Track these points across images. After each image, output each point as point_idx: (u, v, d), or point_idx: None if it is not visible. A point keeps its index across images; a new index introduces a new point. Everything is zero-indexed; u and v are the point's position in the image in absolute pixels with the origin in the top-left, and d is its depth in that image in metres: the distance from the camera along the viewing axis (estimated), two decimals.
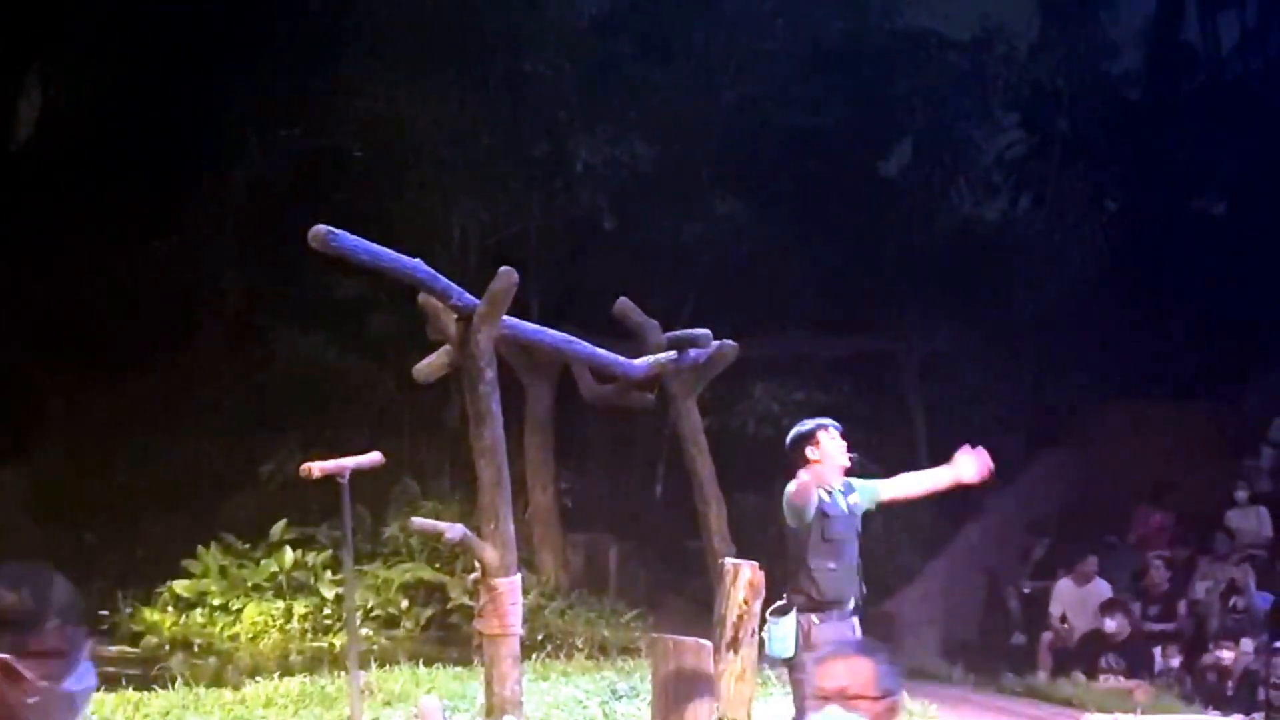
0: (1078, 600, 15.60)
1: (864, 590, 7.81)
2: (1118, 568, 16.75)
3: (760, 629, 7.92)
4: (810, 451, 7.74)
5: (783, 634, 7.64)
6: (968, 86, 21.62)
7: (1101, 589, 15.58)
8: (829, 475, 7.71)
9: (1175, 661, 14.40)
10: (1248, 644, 14.21)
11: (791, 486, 7.61)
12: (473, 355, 7.55)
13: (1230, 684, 13.67)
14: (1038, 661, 15.24)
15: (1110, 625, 14.45)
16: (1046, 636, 15.55)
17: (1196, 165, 22.66)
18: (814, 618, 7.56)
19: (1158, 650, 14.66)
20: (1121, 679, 13.98)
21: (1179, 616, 15.49)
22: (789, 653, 7.62)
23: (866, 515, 7.91)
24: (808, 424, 7.91)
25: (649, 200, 20.72)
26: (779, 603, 7.72)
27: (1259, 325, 20.43)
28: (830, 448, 7.75)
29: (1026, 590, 17.18)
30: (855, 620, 7.79)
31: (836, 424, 7.89)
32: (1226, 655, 13.86)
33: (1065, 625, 15.36)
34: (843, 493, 7.79)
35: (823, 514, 7.61)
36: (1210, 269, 21.16)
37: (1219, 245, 22.03)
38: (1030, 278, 21.04)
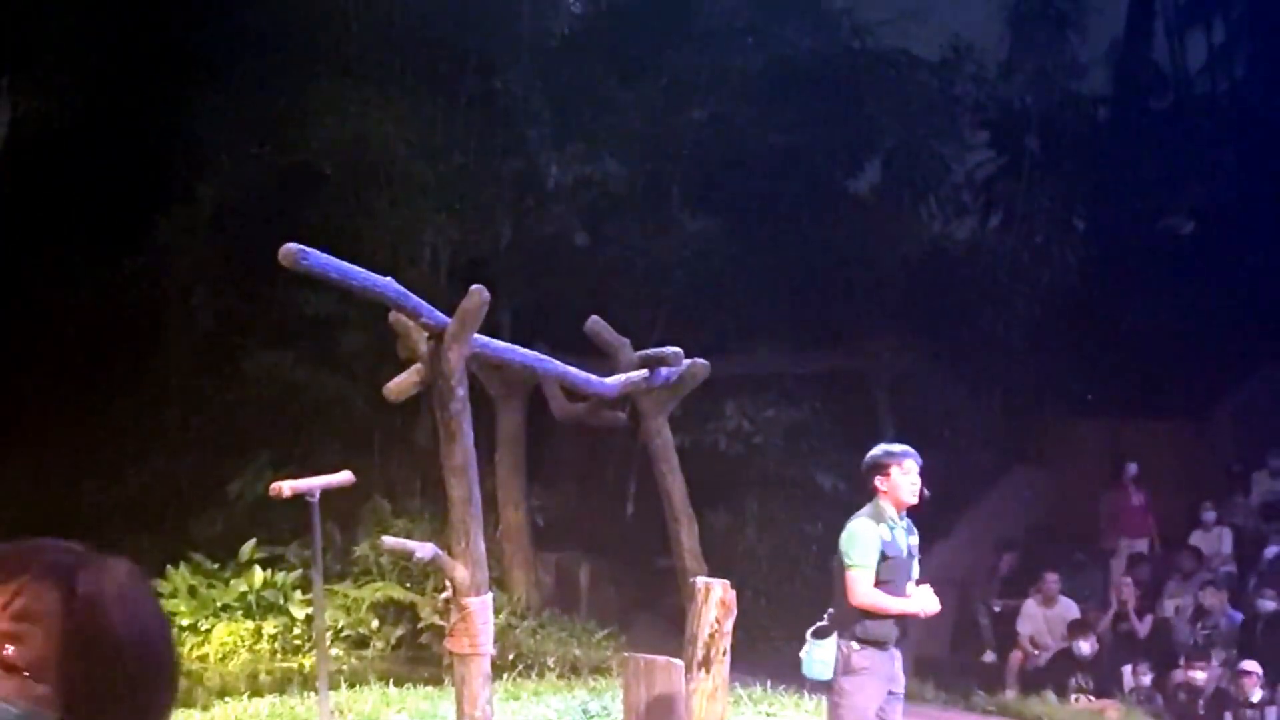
0: (1044, 621, 15.63)
1: (906, 630, 7.73)
2: (1086, 585, 16.81)
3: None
4: (880, 482, 7.66)
5: (822, 657, 7.60)
6: (937, 106, 21.74)
7: (1068, 608, 15.62)
8: (889, 511, 7.66)
9: (1146, 680, 14.43)
10: (1218, 662, 14.27)
11: (858, 533, 7.56)
12: (444, 374, 7.53)
13: (1201, 703, 13.71)
14: (1006, 680, 15.28)
15: (1083, 649, 14.48)
16: (1015, 656, 15.58)
17: (1165, 184, 22.77)
18: (854, 644, 7.52)
19: (1128, 669, 14.70)
20: (1091, 699, 14.02)
21: (1147, 635, 15.51)
22: (827, 675, 7.59)
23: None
24: (884, 453, 7.78)
25: (620, 218, 20.73)
26: (820, 624, 7.66)
27: (1227, 343, 20.53)
28: (900, 482, 7.64)
29: (996, 609, 17.21)
30: (898, 653, 7.71)
31: (915, 456, 7.76)
32: (1198, 675, 13.90)
33: (1034, 648, 15.41)
34: (906, 531, 7.72)
35: (884, 555, 7.56)
36: (1178, 288, 21.27)
37: (1187, 264, 22.15)
38: (999, 296, 21.13)
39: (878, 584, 7.53)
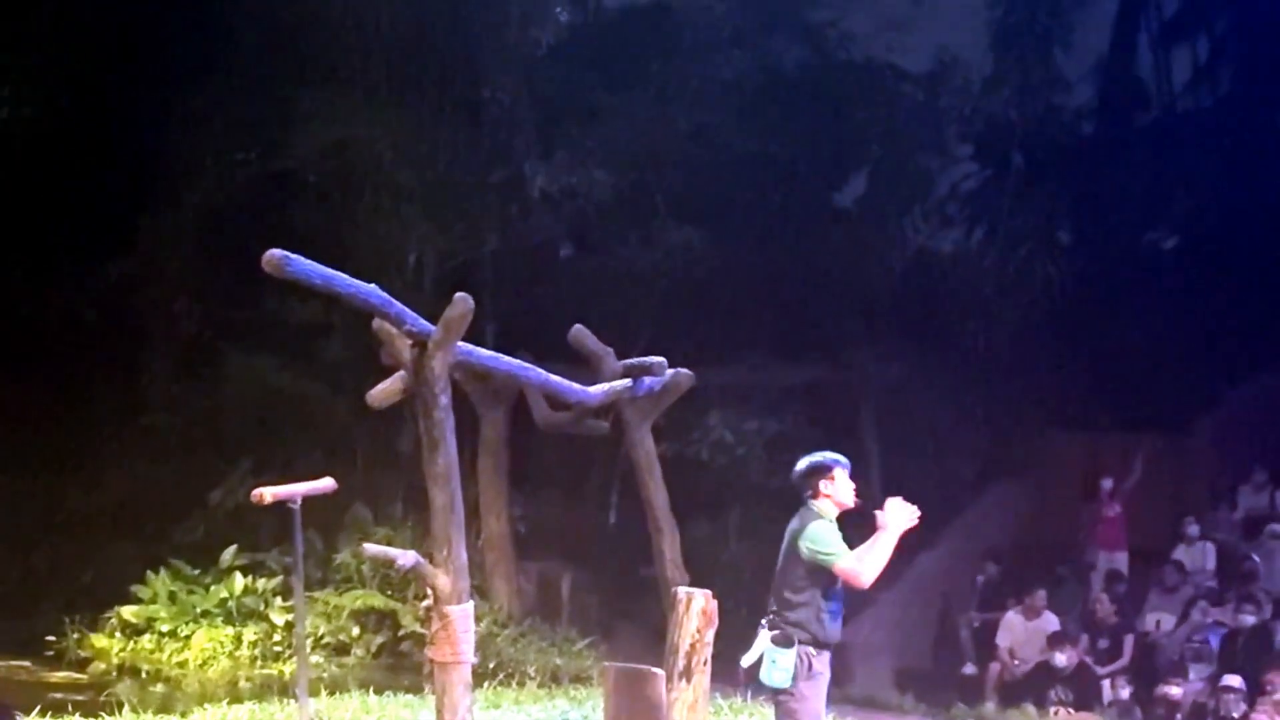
0: (1026, 634, 15.65)
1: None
2: (1067, 599, 16.83)
3: (715, 657, 7.95)
4: (824, 485, 7.86)
5: (785, 665, 7.66)
6: (922, 118, 21.78)
7: (1048, 621, 15.64)
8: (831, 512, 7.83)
9: (1124, 693, 14.44)
10: (1196, 677, 14.29)
11: (823, 533, 7.70)
12: (427, 381, 7.51)
13: (1179, 717, 13.72)
14: (986, 692, 15.29)
15: (1059, 660, 14.50)
16: (994, 668, 15.59)
17: (1148, 199, 22.85)
18: (812, 649, 7.65)
19: (1106, 682, 14.72)
20: (1070, 711, 14.03)
21: (1127, 649, 15.52)
22: (787, 683, 7.67)
23: None
24: (822, 457, 7.98)
25: (605, 228, 20.73)
26: (778, 632, 7.71)
27: (1211, 358, 20.59)
28: (843, 485, 7.90)
29: (976, 624, 17.23)
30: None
31: (847, 463, 7.99)
32: (1175, 690, 13.91)
33: (1014, 659, 15.42)
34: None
35: None
36: (1161, 302, 21.32)
37: (1171, 278, 22.21)
38: (983, 309, 21.16)
39: (836, 584, 7.72)
